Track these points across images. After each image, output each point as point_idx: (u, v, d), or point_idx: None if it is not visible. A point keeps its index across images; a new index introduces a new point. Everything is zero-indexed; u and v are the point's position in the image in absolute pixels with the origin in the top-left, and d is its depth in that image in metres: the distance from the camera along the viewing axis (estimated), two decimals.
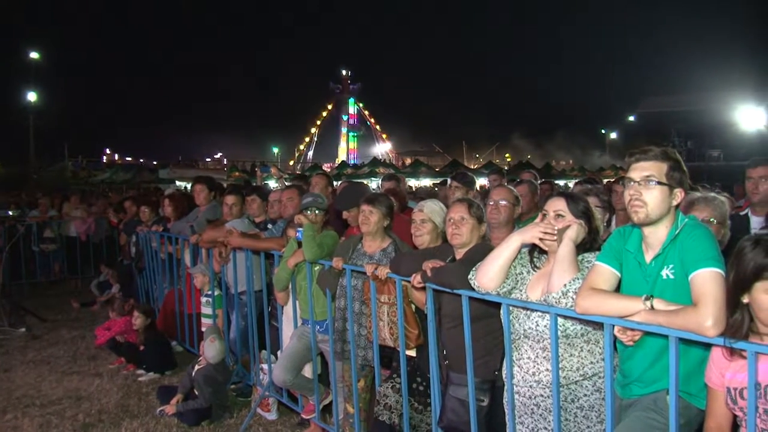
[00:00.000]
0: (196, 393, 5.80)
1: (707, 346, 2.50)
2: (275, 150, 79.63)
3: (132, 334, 7.38)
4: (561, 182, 21.31)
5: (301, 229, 4.83)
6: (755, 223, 4.28)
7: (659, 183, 2.65)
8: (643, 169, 2.69)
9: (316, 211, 4.92)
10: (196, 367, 5.96)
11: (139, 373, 7.03)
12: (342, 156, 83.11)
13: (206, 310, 6.68)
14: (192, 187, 7.68)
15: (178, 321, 7.48)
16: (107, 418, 5.78)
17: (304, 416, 5.32)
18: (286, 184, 7.95)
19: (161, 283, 8.18)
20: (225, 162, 64.43)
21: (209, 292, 6.60)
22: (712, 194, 3.55)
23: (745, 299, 2.26)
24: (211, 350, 5.90)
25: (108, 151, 69.15)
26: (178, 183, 32.68)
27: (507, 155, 74.96)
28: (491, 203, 4.31)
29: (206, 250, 6.55)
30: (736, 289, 2.28)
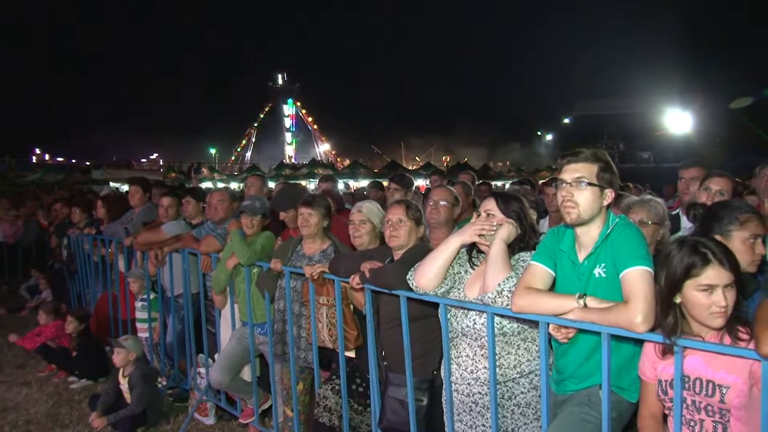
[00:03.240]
0: (130, 397, 5.64)
1: (638, 342, 2.59)
2: (213, 151, 78.50)
3: (64, 339, 7.14)
4: (498, 183, 21.68)
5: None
6: (686, 222, 4.39)
7: (590, 184, 2.71)
8: (574, 171, 2.75)
9: (254, 216, 4.88)
10: (126, 371, 5.79)
11: (71, 380, 6.81)
12: (288, 155, 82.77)
13: (141, 314, 6.52)
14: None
15: (111, 326, 7.27)
16: (36, 429, 5.57)
17: (242, 420, 5.26)
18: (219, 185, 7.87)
19: (94, 287, 7.96)
20: (161, 163, 63.09)
21: (144, 296, 6.45)
22: (648, 196, 3.66)
23: (678, 299, 2.35)
24: (118, 357, 5.77)
25: (38, 150, 66.64)
26: (112, 184, 31.79)
27: (445, 157, 75.73)
28: (431, 203, 4.35)
29: (141, 252, 6.41)
30: (668, 291, 2.37)
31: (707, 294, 2.28)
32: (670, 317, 2.37)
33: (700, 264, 2.28)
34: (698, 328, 2.36)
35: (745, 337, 2.28)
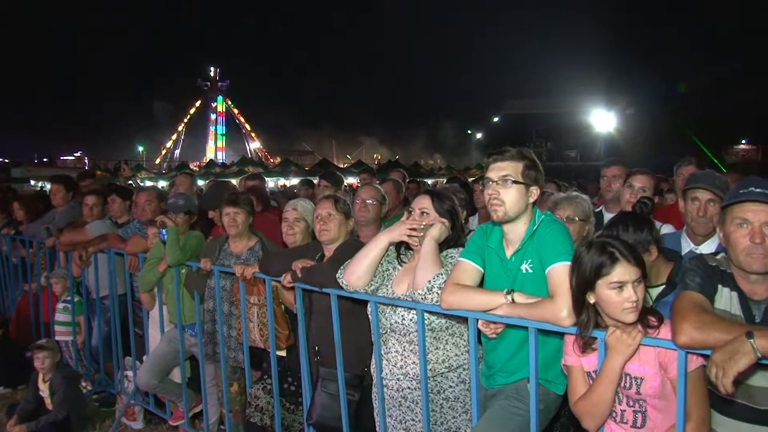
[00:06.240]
0: (51, 403, 5.42)
1: (563, 336, 2.65)
2: (140, 149, 76.46)
3: None
4: (429, 181, 21.91)
5: (164, 230, 4.69)
6: (608, 219, 4.50)
7: (515, 182, 2.77)
8: (500, 169, 2.80)
9: (181, 214, 4.79)
10: (46, 376, 5.56)
11: None
12: (210, 154, 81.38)
13: (62, 317, 6.28)
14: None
15: (33, 330, 6.99)
16: None
17: (172, 423, 5.16)
18: (140, 184, 7.67)
19: (13, 289, 7.64)
20: (86, 161, 60.98)
21: (68, 298, 6.23)
22: (575, 193, 3.76)
23: (591, 299, 2.42)
24: (41, 361, 5.53)
25: None
26: (33, 182, 30.62)
27: (376, 155, 76.03)
28: (358, 201, 4.36)
29: (64, 253, 6.19)
30: (580, 291, 2.44)
31: (618, 291, 2.34)
32: (583, 315, 2.44)
33: (609, 263, 2.35)
34: (613, 323, 2.42)
35: (656, 323, 2.38)
